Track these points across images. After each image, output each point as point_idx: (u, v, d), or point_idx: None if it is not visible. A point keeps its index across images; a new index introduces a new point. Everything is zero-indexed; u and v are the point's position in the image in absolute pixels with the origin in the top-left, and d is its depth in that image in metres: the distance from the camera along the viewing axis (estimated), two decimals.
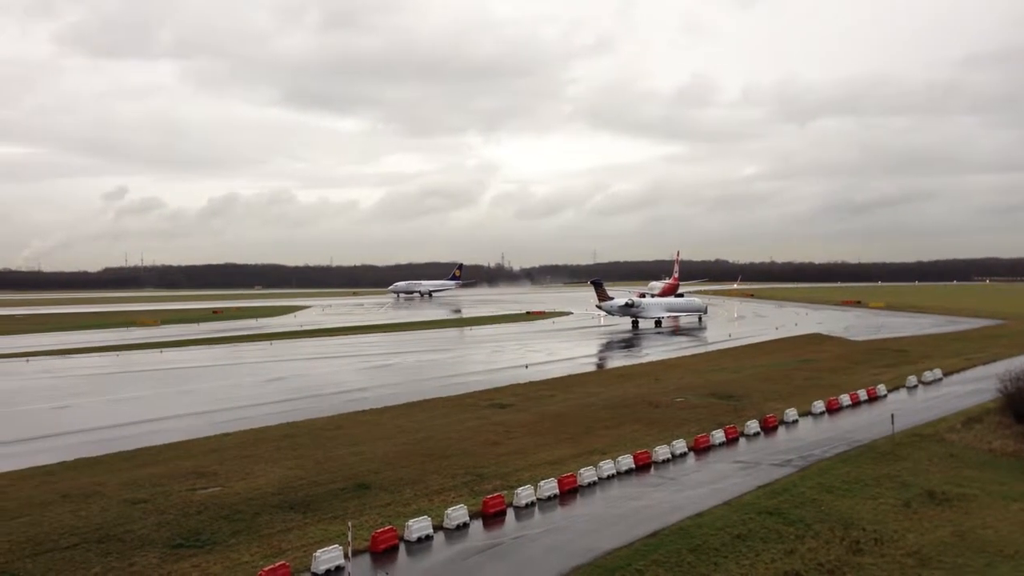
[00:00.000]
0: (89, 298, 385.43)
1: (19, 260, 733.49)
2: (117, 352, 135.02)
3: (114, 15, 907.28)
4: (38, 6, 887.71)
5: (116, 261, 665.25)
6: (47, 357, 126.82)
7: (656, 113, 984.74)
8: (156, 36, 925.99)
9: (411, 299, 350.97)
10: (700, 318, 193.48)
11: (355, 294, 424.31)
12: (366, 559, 37.40)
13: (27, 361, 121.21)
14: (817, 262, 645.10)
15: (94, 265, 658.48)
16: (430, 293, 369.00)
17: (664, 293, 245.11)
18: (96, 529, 40.71)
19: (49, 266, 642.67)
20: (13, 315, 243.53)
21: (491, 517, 43.50)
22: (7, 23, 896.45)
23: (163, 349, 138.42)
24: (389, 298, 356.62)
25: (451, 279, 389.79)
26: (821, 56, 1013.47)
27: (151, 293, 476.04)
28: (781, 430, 66.75)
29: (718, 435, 61.53)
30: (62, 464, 54.76)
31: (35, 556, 37.11)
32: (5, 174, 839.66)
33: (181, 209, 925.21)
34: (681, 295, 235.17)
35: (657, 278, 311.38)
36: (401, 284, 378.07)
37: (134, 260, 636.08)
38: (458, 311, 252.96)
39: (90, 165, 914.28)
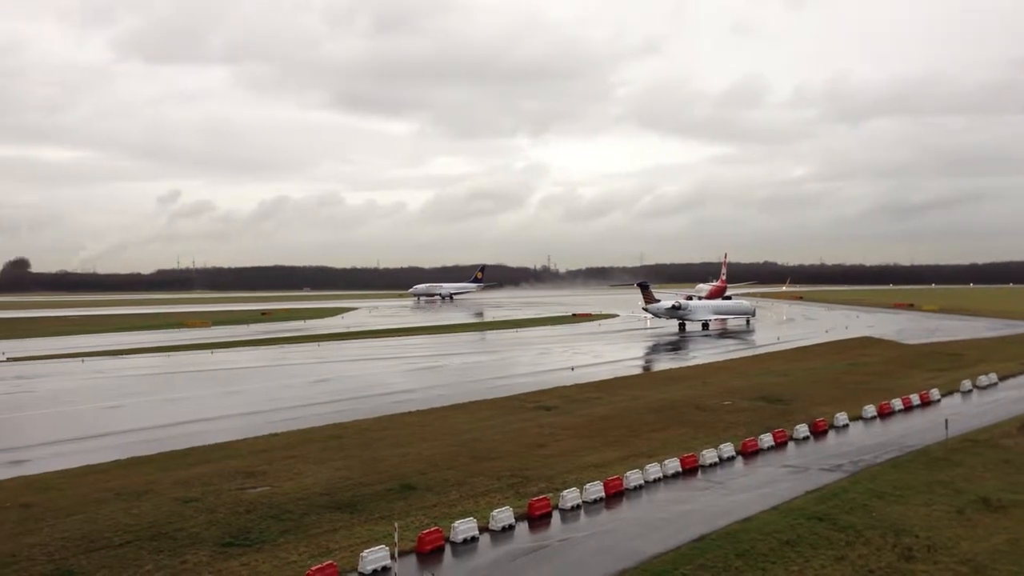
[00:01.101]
0: (142, 299, 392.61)
1: (75, 262, 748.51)
2: (168, 353, 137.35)
3: (168, 21, 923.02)
4: (96, 13, 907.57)
5: (168, 263, 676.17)
6: (101, 358, 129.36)
7: (705, 114, 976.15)
8: (208, 42, 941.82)
9: (432, 302, 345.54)
10: (748, 321, 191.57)
11: (365, 296, 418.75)
12: (412, 560, 37.55)
13: (82, 361, 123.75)
14: (868, 264, 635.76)
15: (147, 267, 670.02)
16: (451, 296, 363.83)
17: (711, 295, 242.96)
18: (148, 527, 41.39)
19: (104, 268, 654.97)
20: (69, 316, 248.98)
21: (536, 519, 43.43)
22: (68, 30, 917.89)
23: (213, 350, 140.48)
24: (409, 301, 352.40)
25: (472, 281, 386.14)
26: (873, 55, 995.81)
27: (202, 295, 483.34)
28: (831, 434, 65.79)
29: (766, 439, 60.81)
30: (116, 463, 55.79)
31: (90, 553, 37.83)
32: (63, 178, 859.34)
33: (232, 212, 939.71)
34: (729, 297, 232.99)
35: (704, 280, 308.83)
36: (421, 287, 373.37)
37: (186, 262, 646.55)
38: (480, 314, 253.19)
39: (144, 169, 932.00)
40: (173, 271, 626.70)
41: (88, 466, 54.82)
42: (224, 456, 57.22)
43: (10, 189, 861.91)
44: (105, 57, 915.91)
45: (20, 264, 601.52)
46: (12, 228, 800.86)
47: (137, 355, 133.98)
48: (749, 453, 58.33)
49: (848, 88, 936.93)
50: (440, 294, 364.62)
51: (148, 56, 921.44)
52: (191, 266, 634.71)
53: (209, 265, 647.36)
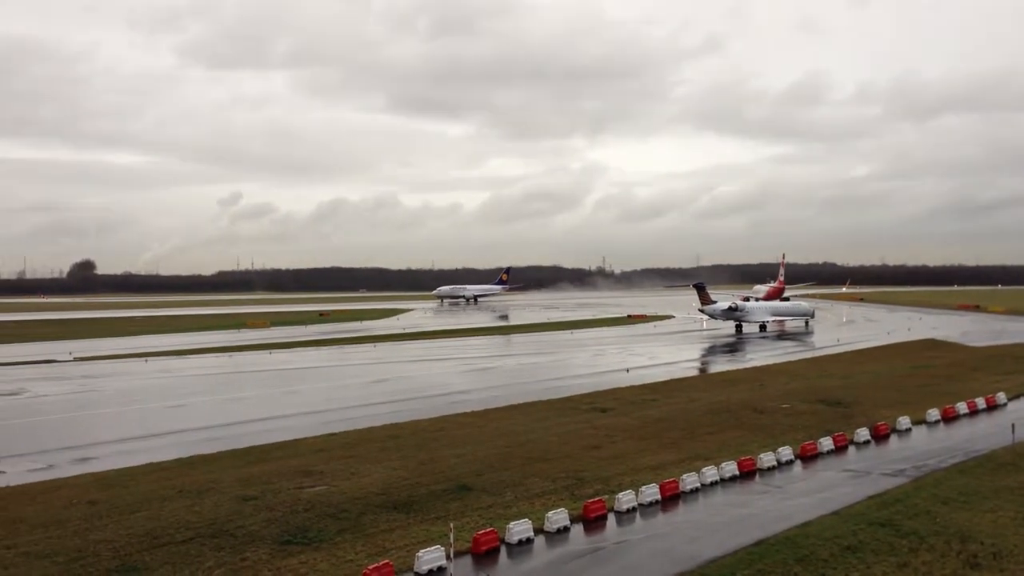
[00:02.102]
0: (203, 300, 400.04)
1: (140, 264, 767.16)
2: (229, 353, 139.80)
3: (233, 28, 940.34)
4: (164, 20, 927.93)
5: (229, 264, 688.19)
6: (165, 357, 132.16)
7: (765, 113, 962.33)
8: (272, 47, 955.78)
9: (456, 304, 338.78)
10: (807, 322, 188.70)
11: (420, 298, 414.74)
12: (467, 560, 37.69)
13: (146, 361, 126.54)
14: (931, 265, 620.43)
15: (208, 268, 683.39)
16: (475, 298, 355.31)
17: (769, 296, 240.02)
18: (210, 524, 42.14)
19: (167, 269, 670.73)
20: (134, 316, 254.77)
21: (592, 521, 43.30)
22: (136, 37, 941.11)
23: (272, 350, 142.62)
24: (432, 303, 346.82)
25: (498, 283, 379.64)
26: (942, 52, 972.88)
27: (261, 296, 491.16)
28: (893, 438, 64.54)
29: (826, 443, 59.83)
30: (179, 461, 56.92)
31: (153, 549, 38.65)
32: (129, 182, 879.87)
33: (291, 214, 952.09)
34: (787, 298, 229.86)
35: (762, 281, 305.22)
36: (445, 288, 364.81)
37: (245, 264, 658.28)
38: (510, 315, 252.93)
39: (208, 172, 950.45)
40: (233, 272, 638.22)
41: (152, 464, 56.04)
42: (283, 455, 58.05)
43: (81, 192, 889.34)
44: (172, 63, 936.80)
45: (87, 266, 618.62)
46: (81, 230, 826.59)
47: (199, 355, 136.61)
48: (808, 457, 57.44)
49: (914, 85, 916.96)
50: (464, 296, 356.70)
51: (213, 62, 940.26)
52: (250, 267, 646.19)
53: (268, 267, 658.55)
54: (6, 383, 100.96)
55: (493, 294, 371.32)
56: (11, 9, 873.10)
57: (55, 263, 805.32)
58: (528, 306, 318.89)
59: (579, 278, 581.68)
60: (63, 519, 43.09)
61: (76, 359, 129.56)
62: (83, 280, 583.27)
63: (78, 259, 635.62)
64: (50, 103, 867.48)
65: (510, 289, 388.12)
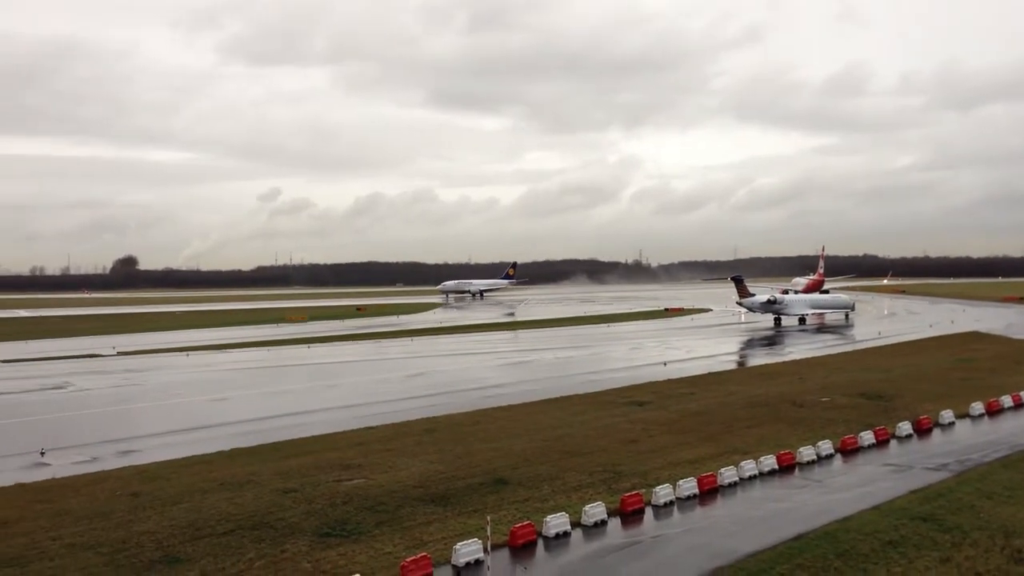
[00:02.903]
0: (242, 295, 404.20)
1: (180, 259, 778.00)
2: (268, 347, 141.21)
3: (272, 25, 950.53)
4: (203, 18, 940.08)
5: (267, 260, 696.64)
6: (205, 351, 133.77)
7: (805, 104, 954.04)
8: (310, 43, 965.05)
9: (462, 299, 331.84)
10: (847, 315, 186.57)
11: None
12: (505, 553, 37.78)
13: (187, 355, 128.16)
14: (975, 256, 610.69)
15: (247, 264, 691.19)
16: (481, 293, 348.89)
17: (808, 289, 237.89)
18: (250, 516, 42.64)
19: (207, 265, 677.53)
20: (174, 311, 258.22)
21: (629, 515, 43.18)
22: (176, 36, 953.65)
23: (310, 345, 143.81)
24: (438, 298, 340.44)
25: (504, 278, 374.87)
26: (986, 40, 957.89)
27: (299, 290, 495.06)
28: (936, 432, 63.62)
29: (867, 436, 59.12)
30: (219, 453, 57.62)
31: (195, 540, 39.19)
32: (170, 178, 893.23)
33: (329, 209, 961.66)
34: (827, 291, 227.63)
35: (801, 274, 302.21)
36: (450, 284, 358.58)
37: (284, 259, 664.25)
38: (544, 309, 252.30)
39: (247, 168, 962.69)
40: (272, 267, 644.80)
41: (193, 456, 56.78)
42: (322, 448, 58.55)
43: (122, 189, 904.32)
44: (211, 61, 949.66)
45: (129, 262, 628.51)
46: (123, 227, 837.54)
47: (239, 349, 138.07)
48: (849, 451, 56.81)
49: (959, 74, 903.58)
50: (470, 291, 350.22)
51: (252, 59, 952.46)
52: (289, 262, 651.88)
53: (306, 261, 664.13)
54: (52, 377, 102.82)
55: (499, 289, 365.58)
56: (54, 9, 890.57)
57: (98, 259, 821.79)
58: (564, 300, 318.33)
59: (613, 271, 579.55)
60: (107, 511, 43.85)
61: (119, 353, 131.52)
62: (125, 276, 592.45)
63: (121, 255, 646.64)
64: (92, 102, 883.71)
65: (517, 284, 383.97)
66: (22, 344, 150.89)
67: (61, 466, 55.18)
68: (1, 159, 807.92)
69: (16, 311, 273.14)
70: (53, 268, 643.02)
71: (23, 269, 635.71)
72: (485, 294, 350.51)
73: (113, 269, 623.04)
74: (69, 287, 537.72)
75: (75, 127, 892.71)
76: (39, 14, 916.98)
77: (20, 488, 49.15)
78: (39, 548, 38.16)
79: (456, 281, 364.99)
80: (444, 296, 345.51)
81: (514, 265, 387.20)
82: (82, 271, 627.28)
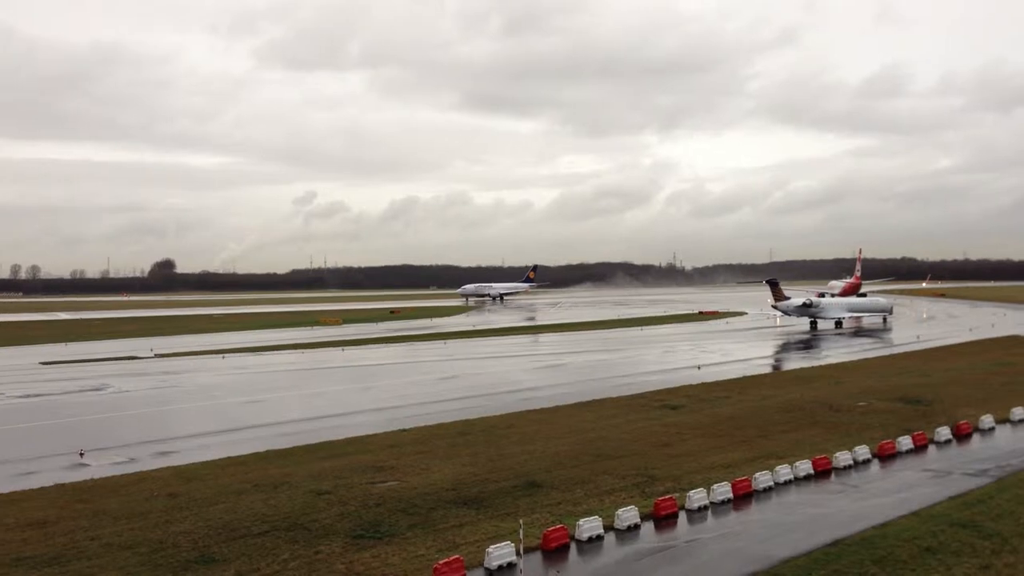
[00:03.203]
0: (277, 298, 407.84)
1: (217, 262, 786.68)
2: (303, 350, 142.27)
3: (309, 30, 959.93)
4: (242, 24, 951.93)
5: (302, 263, 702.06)
6: (241, 354, 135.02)
7: (842, 106, 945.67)
8: (346, 48, 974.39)
9: (482, 302, 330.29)
10: (885, 319, 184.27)
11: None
12: (537, 557, 37.68)
13: (223, 358, 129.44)
14: (1016, 259, 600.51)
15: (282, 267, 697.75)
16: (501, 296, 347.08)
17: (845, 292, 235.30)
18: (284, 517, 42.94)
19: (243, 268, 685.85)
20: (211, 314, 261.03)
21: (662, 519, 42.91)
22: (216, 41, 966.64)
23: (345, 347, 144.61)
24: (458, 301, 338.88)
25: (525, 281, 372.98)
26: None
27: (334, 293, 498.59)
28: (976, 438, 62.60)
29: (905, 442, 58.31)
30: (255, 455, 58.09)
31: (230, 541, 39.53)
32: (207, 182, 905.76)
33: (364, 212, 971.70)
34: (864, 294, 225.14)
35: (837, 277, 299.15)
36: (470, 287, 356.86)
37: (318, 262, 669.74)
38: (575, 312, 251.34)
39: (283, 172, 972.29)
40: (306, 271, 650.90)
41: (229, 458, 57.31)
42: (355, 450, 58.84)
43: (161, 193, 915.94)
44: (249, 66, 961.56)
45: (167, 265, 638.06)
46: (161, 230, 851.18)
47: (274, 352, 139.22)
48: (886, 456, 56.03)
49: (1000, 74, 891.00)
50: (490, 294, 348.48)
51: (289, 64, 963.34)
52: (323, 265, 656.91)
53: (340, 264, 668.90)
54: (91, 379, 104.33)
55: (519, 292, 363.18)
56: (96, 16, 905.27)
57: (137, 262, 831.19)
58: (597, 303, 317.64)
59: (647, 275, 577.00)
60: (144, 511, 44.37)
61: (157, 355, 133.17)
62: (163, 278, 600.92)
63: (159, 258, 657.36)
64: (133, 107, 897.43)
65: (537, 287, 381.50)
66: (63, 346, 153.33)
67: (100, 467, 55.93)
68: (44, 163, 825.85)
69: (57, 314, 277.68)
70: (93, 271, 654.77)
71: (64, 272, 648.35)
72: (505, 297, 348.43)
73: (151, 272, 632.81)
74: (109, 290, 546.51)
75: (116, 132, 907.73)
76: (82, 21, 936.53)
77: (60, 488, 49.87)
78: (78, 547, 38.70)
79: (476, 284, 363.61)
80: (464, 299, 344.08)
81: (534, 268, 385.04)
82: (121, 274, 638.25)
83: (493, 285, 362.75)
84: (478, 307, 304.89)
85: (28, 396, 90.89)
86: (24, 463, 57.43)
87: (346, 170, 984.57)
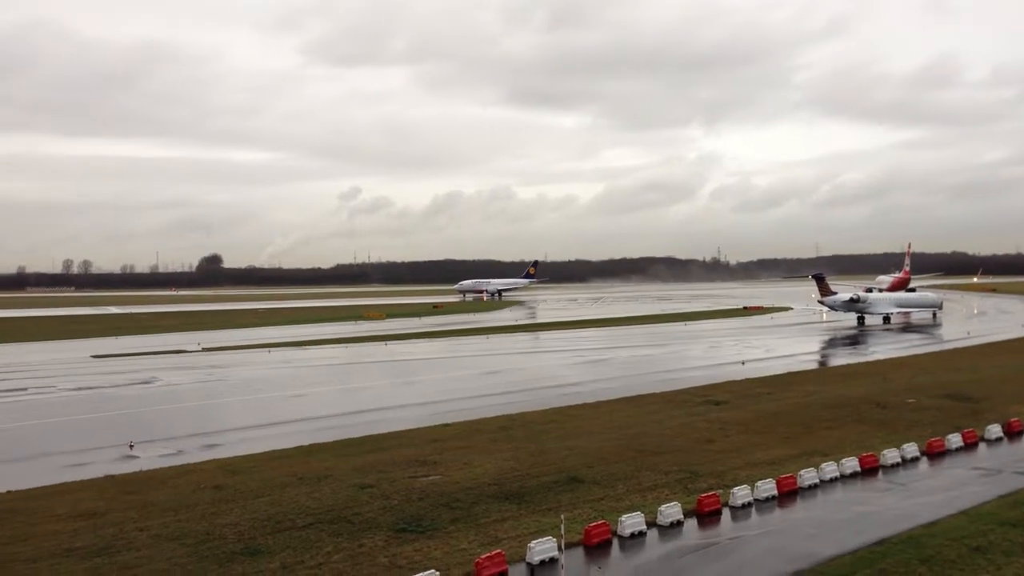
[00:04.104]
0: (322, 293, 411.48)
1: (262, 257, 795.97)
2: (347, 344, 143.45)
3: (353, 26, 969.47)
4: (287, 21, 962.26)
5: (346, 258, 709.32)
6: (286, 348, 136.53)
7: (892, 97, 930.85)
8: (390, 43, 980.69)
9: (479, 299, 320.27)
10: (934, 314, 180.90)
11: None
12: (579, 552, 37.62)
13: (268, 352, 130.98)
14: None
15: (327, 262, 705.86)
16: (499, 292, 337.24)
17: (893, 287, 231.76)
18: (328, 510, 43.33)
19: (288, 263, 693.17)
20: (257, 309, 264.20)
21: (706, 516, 42.59)
22: (262, 38, 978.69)
23: (388, 342, 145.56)
24: (455, 298, 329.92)
25: (525, 277, 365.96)
26: None
27: (377, 288, 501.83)
28: None
29: (954, 439, 57.25)
30: (299, 448, 58.71)
31: (275, 533, 39.99)
32: (253, 178, 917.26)
33: (407, 207, 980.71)
34: (912, 289, 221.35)
35: (885, 272, 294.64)
36: (467, 283, 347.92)
37: (362, 257, 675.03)
38: (617, 306, 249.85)
39: (328, 168, 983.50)
40: (350, 265, 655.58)
41: (274, 451, 57.97)
42: (398, 444, 59.20)
43: (208, 189, 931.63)
44: (294, 62, 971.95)
45: (213, 260, 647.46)
46: (208, 226, 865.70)
47: (319, 346, 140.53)
48: (935, 454, 55.08)
49: None
50: (487, 290, 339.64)
51: (333, 60, 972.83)
52: (367, 260, 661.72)
53: (384, 259, 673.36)
54: (140, 372, 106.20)
55: (517, 288, 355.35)
56: (145, 14, 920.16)
57: (185, 257, 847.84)
58: (640, 297, 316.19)
59: (690, 269, 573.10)
60: (191, 503, 45.06)
61: (204, 349, 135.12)
62: (210, 273, 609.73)
63: (206, 253, 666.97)
64: (180, 104, 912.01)
65: (538, 283, 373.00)
66: (113, 340, 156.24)
67: (148, 459, 56.91)
68: (94, 160, 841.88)
69: (108, 308, 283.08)
70: (142, 266, 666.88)
71: (114, 267, 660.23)
72: (504, 294, 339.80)
73: (199, 267, 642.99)
74: (157, 284, 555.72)
75: (164, 129, 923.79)
76: (130, 19, 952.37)
77: (109, 480, 50.87)
78: (127, 539, 39.40)
79: (473, 280, 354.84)
80: (462, 296, 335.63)
81: (535, 264, 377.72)
82: (170, 269, 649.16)
83: (491, 281, 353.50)
84: (533, 303, 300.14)
85: (80, 389, 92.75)
86: (75, 455, 58.65)
87: (390, 165, 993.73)
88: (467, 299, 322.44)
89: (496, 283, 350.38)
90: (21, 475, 52.44)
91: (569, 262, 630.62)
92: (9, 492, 48.00)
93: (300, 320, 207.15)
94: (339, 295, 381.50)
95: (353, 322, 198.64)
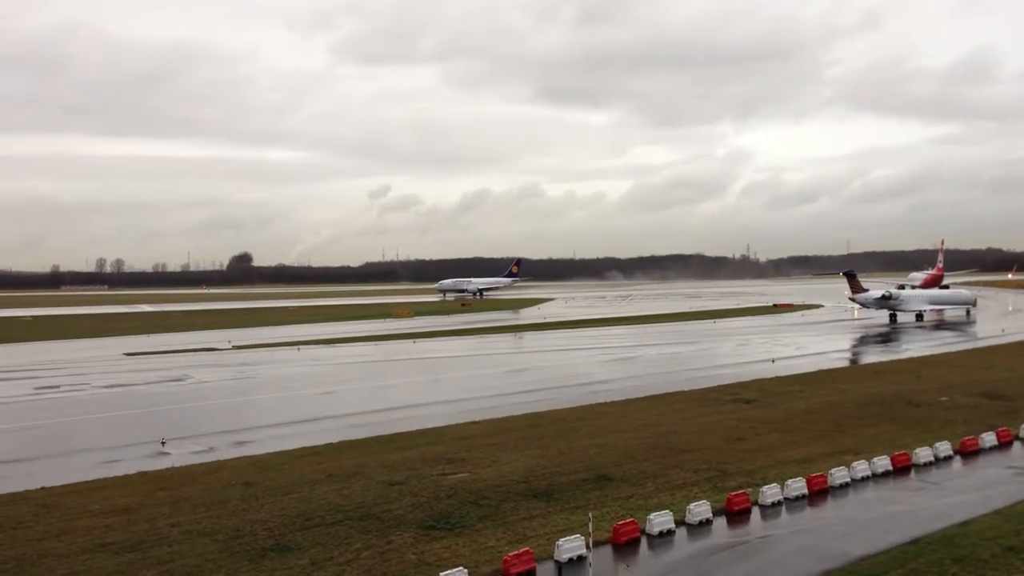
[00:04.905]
0: (351, 291, 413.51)
1: (292, 256, 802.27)
2: (376, 342, 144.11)
3: (384, 25, 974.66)
4: (319, 20, 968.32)
5: (375, 256, 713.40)
6: (315, 346, 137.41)
7: (927, 92, 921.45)
8: (420, 42, 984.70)
9: (463, 298, 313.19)
10: (968, 311, 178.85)
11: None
12: (607, 550, 37.50)
13: (298, 349, 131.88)
14: None
15: (356, 260, 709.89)
16: (480, 292, 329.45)
17: (926, 284, 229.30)
18: (357, 507, 43.54)
19: (317, 261, 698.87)
20: (287, 307, 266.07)
21: (735, 515, 42.35)
22: (293, 38, 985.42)
23: (417, 339, 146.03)
24: (435, 297, 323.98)
25: (507, 276, 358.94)
26: None
27: (406, 286, 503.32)
28: None
29: (988, 438, 56.49)
30: (328, 445, 59.05)
31: (305, 530, 40.25)
32: (285, 177, 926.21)
33: (436, 205, 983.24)
34: (946, 286, 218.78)
35: (918, 268, 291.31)
36: (447, 282, 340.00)
37: (391, 255, 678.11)
38: (647, 304, 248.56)
39: (358, 166, 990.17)
40: (379, 263, 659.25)
41: (304, 448, 58.37)
42: (427, 442, 59.38)
43: (240, 188, 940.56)
44: (325, 61, 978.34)
45: (244, 258, 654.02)
46: (240, 224, 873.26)
47: (348, 344, 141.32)
48: (968, 453, 54.39)
49: None
50: (468, 289, 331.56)
51: (364, 58, 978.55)
52: (395, 258, 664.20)
53: (412, 257, 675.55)
54: (172, 370, 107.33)
55: (499, 287, 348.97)
56: (178, 14, 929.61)
57: (216, 256, 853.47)
58: (669, 295, 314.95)
59: (719, 267, 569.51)
60: (222, 499, 45.46)
61: (234, 347, 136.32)
62: (241, 272, 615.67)
63: (237, 252, 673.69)
64: (212, 104, 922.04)
65: (519, 282, 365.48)
66: (145, 338, 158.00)
67: (180, 455, 57.50)
68: (128, 160, 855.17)
69: (140, 306, 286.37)
70: (174, 265, 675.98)
71: (147, 265, 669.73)
72: (485, 293, 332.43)
73: (229, 265, 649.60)
74: (189, 283, 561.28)
75: (196, 128, 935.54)
76: (164, 20, 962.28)
77: (142, 476, 51.45)
78: (159, 534, 39.84)
79: (453, 279, 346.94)
80: (442, 295, 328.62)
81: (518, 262, 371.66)
82: (201, 267, 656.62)
83: (472, 280, 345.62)
84: (566, 301, 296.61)
85: (113, 386, 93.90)
86: (109, 451, 59.40)
87: (419, 163, 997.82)
88: (447, 299, 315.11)
89: (477, 282, 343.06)
90: (56, 471, 53.20)
91: (597, 259, 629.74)
92: (43, 488, 48.68)
93: (329, 318, 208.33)
94: (368, 293, 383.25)
95: (382, 320, 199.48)
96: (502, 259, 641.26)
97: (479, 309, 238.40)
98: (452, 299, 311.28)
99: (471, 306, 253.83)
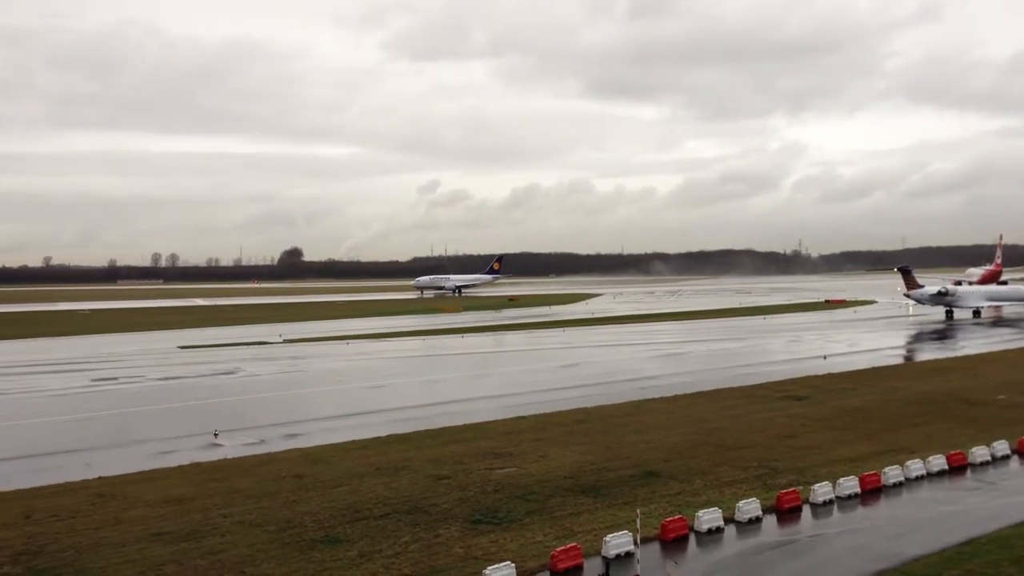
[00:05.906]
0: (399, 286, 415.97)
1: (342, 250, 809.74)
2: (424, 337, 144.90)
3: (435, 21, 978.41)
4: (371, 16, 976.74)
5: (423, 251, 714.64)
6: (364, 340, 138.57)
7: (987, 84, 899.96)
8: (471, 37, 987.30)
9: (442, 295, 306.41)
10: None
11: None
12: (655, 547, 37.30)
13: (347, 343, 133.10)
14: None
15: (404, 255, 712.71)
16: (458, 289, 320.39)
17: (984, 280, 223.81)
18: (405, 501, 43.84)
19: (366, 256, 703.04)
20: (335, 301, 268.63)
21: (785, 513, 41.84)
22: (346, 35, 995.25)
23: (464, 334, 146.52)
24: (413, 294, 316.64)
25: (488, 272, 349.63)
26: None
27: None
28: None
29: None
30: (377, 439, 59.50)
31: (353, 523, 40.63)
32: (336, 172, 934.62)
33: (485, 200, 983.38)
34: (1004, 282, 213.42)
35: (976, 264, 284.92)
36: (424, 279, 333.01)
37: (439, 250, 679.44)
38: (696, 300, 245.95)
39: (408, 162, 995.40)
40: (427, 258, 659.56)
41: (353, 441, 58.87)
42: (474, 436, 59.55)
43: (292, 183, 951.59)
44: (377, 58, 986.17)
45: (294, 253, 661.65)
46: (291, 219, 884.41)
47: (396, 338, 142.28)
48: None
49: None
50: (446, 287, 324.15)
51: (415, 54, 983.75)
52: (443, 253, 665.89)
53: (460, 252, 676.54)
54: (224, 363, 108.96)
55: (479, 284, 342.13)
56: (233, 12, 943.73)
57: (267, 250, 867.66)
58: (719, 291, 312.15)
59: (771, 262, 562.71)
60: (273, 491, 46.08)
61: (285, 341, 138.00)
62: (291, 266, 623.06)
63: (287, 247, 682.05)
64: (266, 100, 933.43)
65: (500, 278, 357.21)
66: (198, 331, 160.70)
67: (232, 447, 58.40)
68: (183, 156, 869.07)
69: (194, 300, 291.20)
70: (227, 259, 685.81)
71: (200, 260, 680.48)
72: (463, 290, 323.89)
73: (280, 260, 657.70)
74: (240, 277, 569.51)
75: (249, 125, 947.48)
76: (219, 17, 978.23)
77: (196, 467, 52.34)
78: (212, 524, 40.52)
79: (431, 276, 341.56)
80: (419, 292, 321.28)
81: (499, 259, 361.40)
82: (252, 262, 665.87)
83: (450, 277, 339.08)
84: (614, 295, 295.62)
85: (167, 379, 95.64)
86: (163, 442, 60.51)
87: (469, 158, 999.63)
88: (425, 295, 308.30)
89: (455, 279, 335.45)
90: (112, 462, 54.36)
91: (646, 255, 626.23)
92: (100, 478, 49.78)
93: (378, 312, 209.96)
94: (410, 288, 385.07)
95: (430, 315, 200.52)
96: (551, 254, 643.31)
97: (525, 304, 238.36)
98: (430, 295, 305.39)
99: (518, 300, 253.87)
